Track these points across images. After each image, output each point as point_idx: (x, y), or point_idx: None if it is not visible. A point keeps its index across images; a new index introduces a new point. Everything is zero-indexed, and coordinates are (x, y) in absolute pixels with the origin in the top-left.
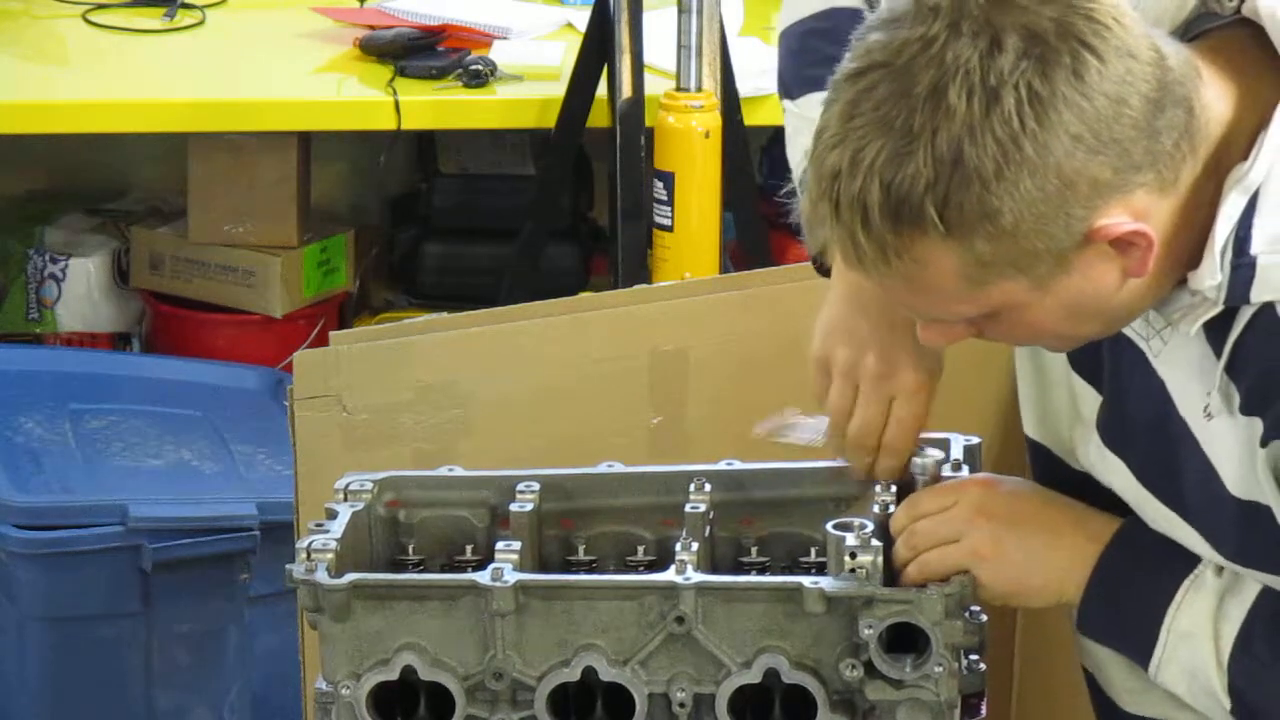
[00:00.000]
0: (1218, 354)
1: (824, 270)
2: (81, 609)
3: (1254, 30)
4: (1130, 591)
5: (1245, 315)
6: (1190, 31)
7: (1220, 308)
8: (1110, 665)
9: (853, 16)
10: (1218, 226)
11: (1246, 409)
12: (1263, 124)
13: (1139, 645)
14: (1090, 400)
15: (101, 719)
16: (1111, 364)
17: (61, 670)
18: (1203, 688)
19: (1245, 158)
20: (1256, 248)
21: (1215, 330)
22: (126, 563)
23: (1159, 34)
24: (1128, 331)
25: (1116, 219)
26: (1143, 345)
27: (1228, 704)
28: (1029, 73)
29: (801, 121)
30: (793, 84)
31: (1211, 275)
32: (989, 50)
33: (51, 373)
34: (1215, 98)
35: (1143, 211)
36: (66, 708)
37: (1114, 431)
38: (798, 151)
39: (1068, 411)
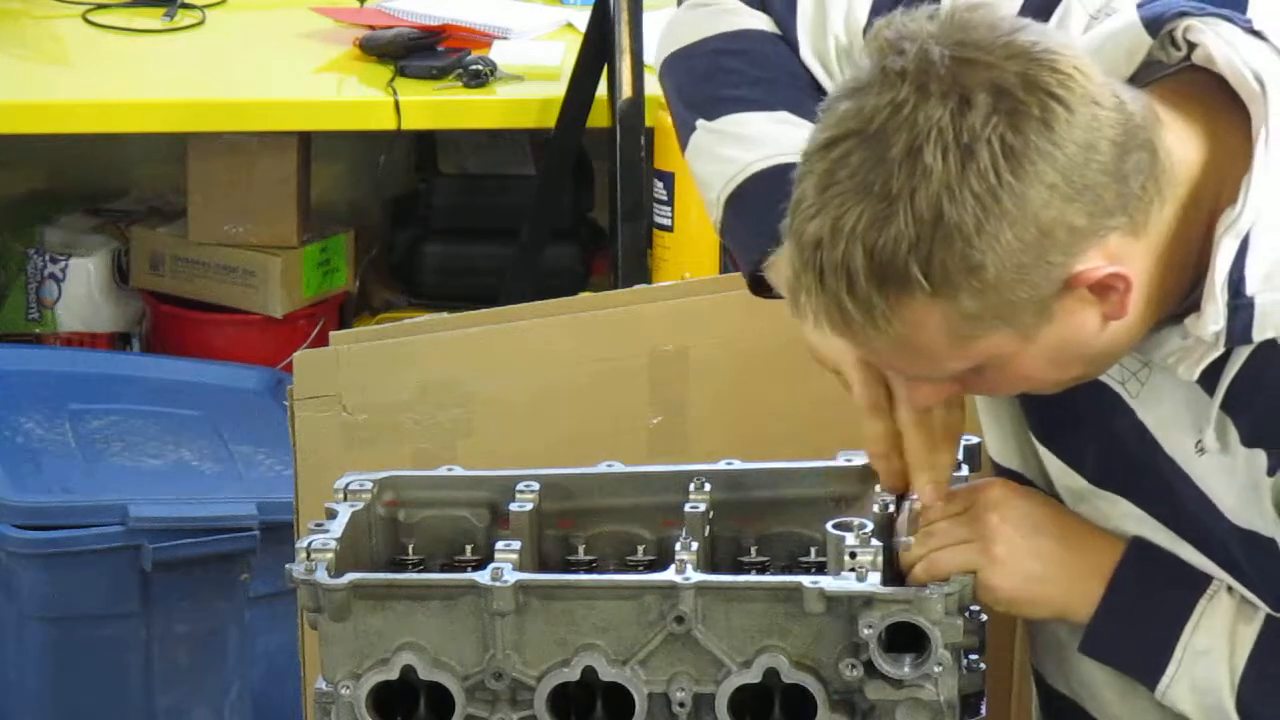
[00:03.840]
0: (1209, 391)
1: (760, 289)
2: (81, 609)
3: (1204, 75)
4: (1146, 607)
5: (1242, 353)
6: (1138, 82)
7: (1221, 350)
8: (1105, 688)
9: (767, 39)
10: (1216, 272)
11: (1250, 442)
12: (1244, 167)
13: (1149, 663)
14: (1053, 463)
15: (101, 719)
16: (1094, 410)
17: (61, 670)
18: (1213, 706)
19: (1233, 202)
20: (1252, 288)
21: (1204, 370)
22: (126, 563)
23: (1116, 82)
24: (1104, 378)
25: (1094, 264)
26: (1119, 389)
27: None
28: (1001, 126)
29: (719, 135)
30: (707, 104)
31: (1215, 321)
32: (959, 109)
33: (51, 373)
34: (1177, 141)
35: (1118, 255)
36: (66, 708)
37: (1109, 474)
38: (717, 165)
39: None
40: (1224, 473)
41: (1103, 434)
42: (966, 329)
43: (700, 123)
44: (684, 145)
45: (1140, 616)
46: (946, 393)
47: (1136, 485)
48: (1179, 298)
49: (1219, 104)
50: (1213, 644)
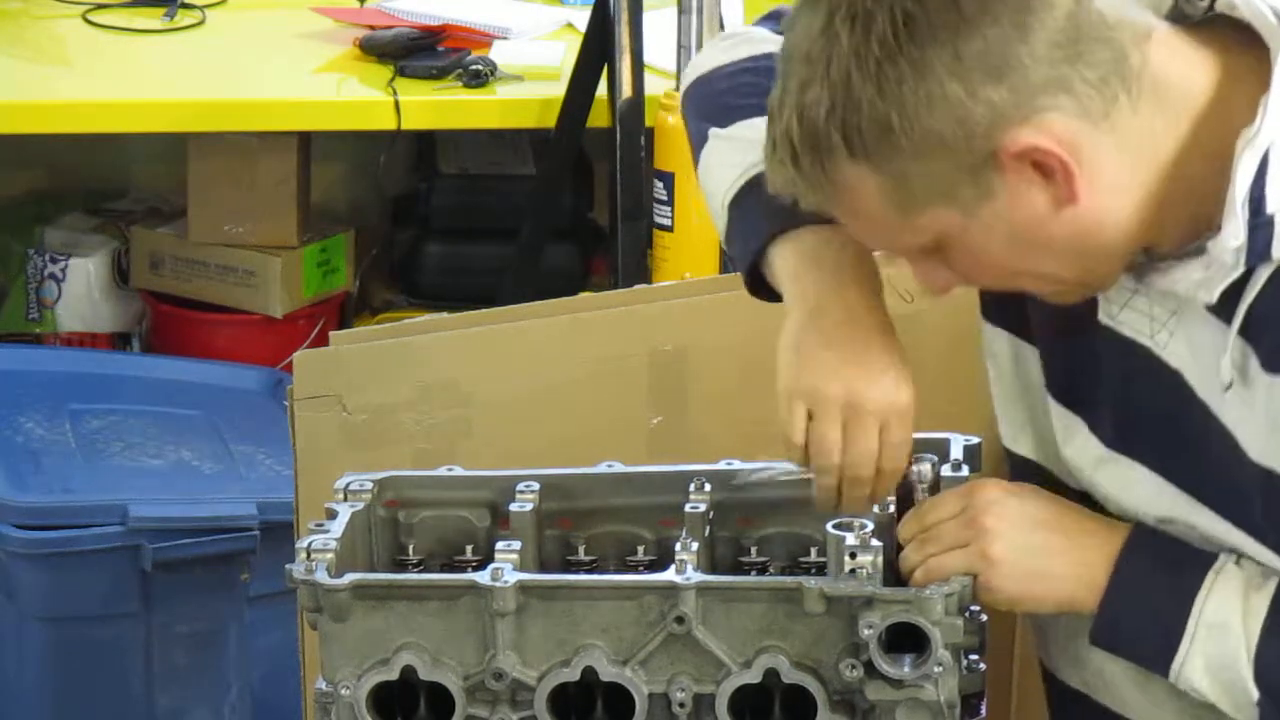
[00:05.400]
0: (1228, 322)
1: (759, 289)
2: (81, 609)
3: (1228, 27)
4: (1154, 588)
5: (1261, 277)
6: None
7: (1241, 270)
8: (1121, 679)
9: None
10: (1236, 188)
11: (1270, 366)
12: (1263, 88)
13: (1162, 644)
14: (1076, 428)
15: (101, 719)
16: (1119, 373)
17: (61, 670)
18: (1230, 680)
19: (1251, 122)
20: (1272, 206)
21: (1223, 301)
22: (126, 563)
23: None
24: (1130, 334)
25: (1021, 136)
26: (1148, 343)
27: (1255, 694)
28: None
29: (729, 142)
30: (720, 114)
31: (1235, 236)
32: None
33: (51, 373)
34: (1185, 63)
35: (1061, 138)
36: (66, 708)
37: (1128, 437)
38: (723, 171)
39: (1058, 436)
40: (1246, 406)
41: (1126, 392)
42: (902, 198)
43: (713, 131)
44: (697, 160)
45: (1149, 599)
46: (943, 280)
47: (1159, 444)
48: (1198, 228)
49: (1240, 47)
50: (1225, 616)
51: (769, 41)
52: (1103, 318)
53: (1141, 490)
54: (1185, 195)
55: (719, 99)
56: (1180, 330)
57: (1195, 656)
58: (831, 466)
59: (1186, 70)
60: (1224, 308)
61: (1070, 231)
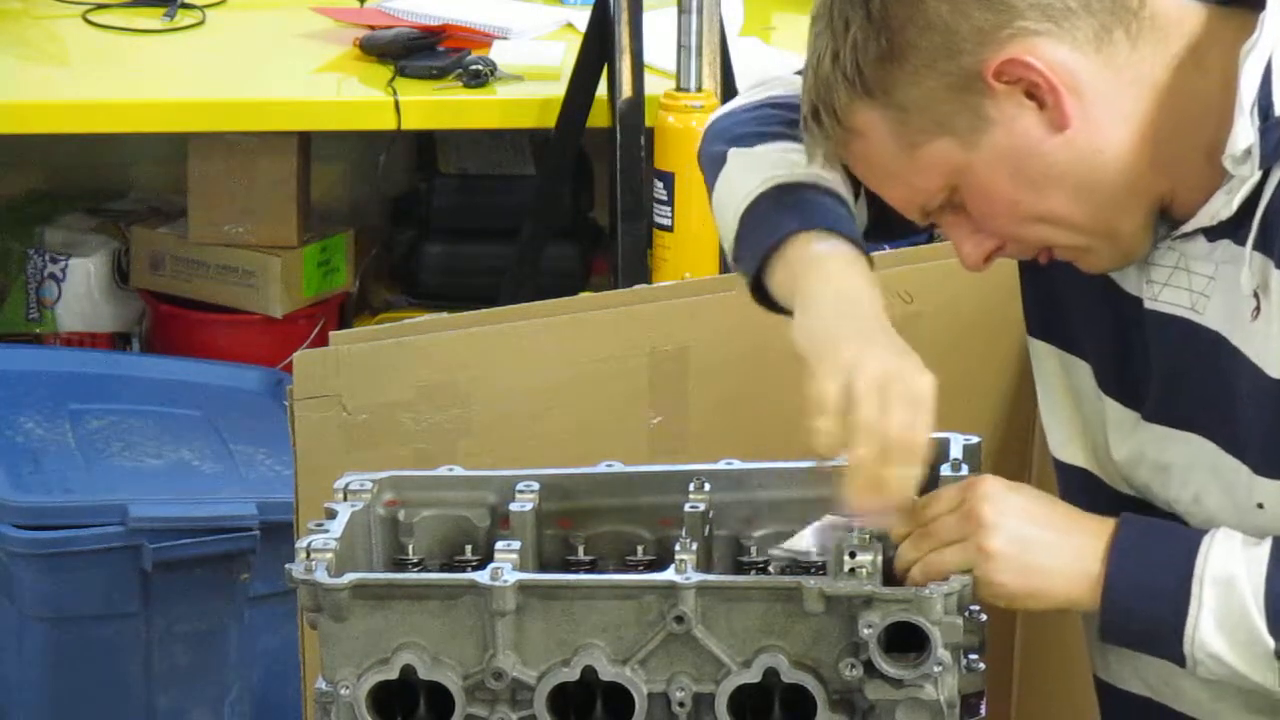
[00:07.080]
0: (1242, 244)
1: (764, 299)
2: (81, 609)
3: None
4: (1152, 563)
5: (1274, 180)
6: None
7: (1257, 175)
8: (1189, 682)
9: None
10: (1241, 95)
11: None
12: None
13: (1169, 614)
14: (1131, 423)
15: (101, 719)
16: (1167, 351)
17: (61, 670)
18: (1245, 635)
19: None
20: None
21: (1241, 220)
22: (126, 563)
23: None
24: (1172, 310)
25: (1004, 53)
26: (1188, 314)
27: (1271, 643)
28: None
29: (752, 158)
30: (744, 138)
31: (1246, 136)
32: None
33: (51, 373)
34: (1179, 7)
35: (1047, 60)
36: (66, 708)
37: (1172, 410)
38: (747, 178)
39: (1104, 433)
40: (1269, 325)
41: (1173, 367)
42: (907, 133)
43: (732, 151)
44: (712, 186)
45: (1148, 577)
46: (982, 247)
47: (1205, 407)
48: (1215, 183)
49: (1240, 12)
50: (1229, 569)
51: (794, 85)
52: (1148, 304)
53: (1199, 457)
54: (1185, 131)
55: (746, 126)
56: (1217, 292)
57: (1205, 617)
58: (875, 433)
59: (1182, 13)
60: (1243, 230)
61: (1067, 158)
